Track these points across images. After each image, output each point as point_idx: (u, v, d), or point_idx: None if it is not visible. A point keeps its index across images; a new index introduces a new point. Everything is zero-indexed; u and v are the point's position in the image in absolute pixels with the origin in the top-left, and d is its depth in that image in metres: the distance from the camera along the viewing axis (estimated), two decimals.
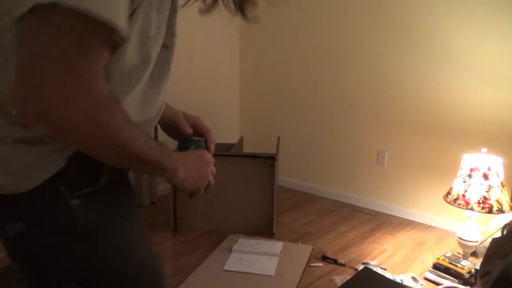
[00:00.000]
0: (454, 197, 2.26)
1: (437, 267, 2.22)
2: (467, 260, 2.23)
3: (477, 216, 2.28)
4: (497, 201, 2.15)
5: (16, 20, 0.53)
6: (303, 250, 2.50)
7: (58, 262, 0.72)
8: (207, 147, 0.91)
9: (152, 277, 0.85)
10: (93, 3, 0.53)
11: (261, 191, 2.71)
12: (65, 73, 0.53)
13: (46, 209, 0.68)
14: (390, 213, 3.16)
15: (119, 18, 0.57)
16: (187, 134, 0.93)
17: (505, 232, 1.79)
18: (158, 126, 0.96)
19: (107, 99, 0.58)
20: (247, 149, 3.81)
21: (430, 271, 2.23)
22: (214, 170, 0.86)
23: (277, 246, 2.53)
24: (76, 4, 0.52)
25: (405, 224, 2.97)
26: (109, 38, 0.58)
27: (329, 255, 2.43)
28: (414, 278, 2.20)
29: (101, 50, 0.57)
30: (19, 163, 0.66)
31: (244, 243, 2.55)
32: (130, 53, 0.66)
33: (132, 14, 0.63)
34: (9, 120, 0.64)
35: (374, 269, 2.25)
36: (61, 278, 0.74)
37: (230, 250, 2.47)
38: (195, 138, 0.92)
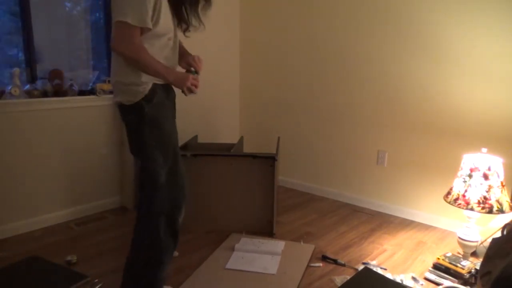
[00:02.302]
0: (454, 197, 2.26)
1: (437, 267, 2.22)
2: (467, 260, 2.23)
3: (477, 216, 2.28)
4: (497, 201, 2.15)
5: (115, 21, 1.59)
6: (305, 249, 2.50)
7: (142, 131, 1.72)
8: (196, 72, 1.84)
9: (175, 153, 1.81)
10: (135, 19, 1.57)
11: (261, 191, 2.71)
12: (125, 42, 1.60)
13: (139, 109, 1.69)
14: (390, 213, 3.16)
15: (146, 22, 1.60)
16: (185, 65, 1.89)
17: (505, 232, 1.79)
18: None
19: (136, 49, 1.60)
20: (247, 149, 3.81)
21: (430, 271, 2.23)
22: (195, 83, 1.79)
23: (279, 245, 2.53)
24: (129, 19, 1.56)
25: (405, 224, 2.98)
26: (139, 29, 1.60)
27: (329, 255, 2.43)
28: (414, 278, 2.20)
29: (136, 32, 1.59)
30: (137, 93, 1.68)
31: (246, 242, 2.55)
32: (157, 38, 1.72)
33: (153, 15, 1.62)
34: (135, 75, 1.68)
35: (374, 269, 2.25)
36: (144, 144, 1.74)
37: (232, 249, 2.48)
38: (193, 70, 1.85)
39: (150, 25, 1.60)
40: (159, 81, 1.74)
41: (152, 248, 1.76)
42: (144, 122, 1.71)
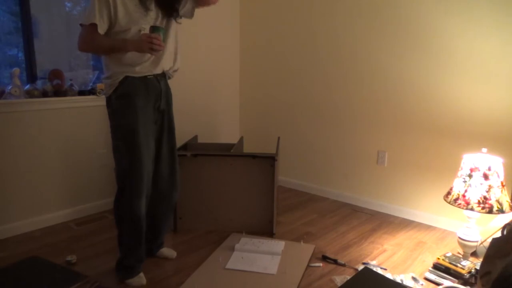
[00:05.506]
0: (454, 197, 2.26)
1: (437, 267, 2.22)
2: (467, 260, 2.23)
3: (477, 216, 2.28)
4: (497, 201, 2.15)
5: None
6: (305, 249, 2.50)
7: (110, 121, 2.02)
8: (159, 29, 1.84)
9: (137, 145, 1.96)
10: (86, 20, 1.86)
11: (261, 191, 2.71)
12: (80, 39, 1.90)
13: (110, 102, 1.98)
14: (390, 213, 3.16)
15: (95, 20, 1.83)
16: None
17: (505, 232, 1.80)
18: None
19: (86, 40, 1.88)
20: (247, 149, 3.82)
21: (430, 271, 2.23)
22: (152, 40, 1.78)
23: (279, 245, 2.53)
24: (83, 21, 1.88)
25: (405, 224, 2.97)
26: (95, 27, 1.85)
27: (329, 255, 2.43)
28: (414, 278, 2.20)
29: (93, 30, 1.84)
30: (110, 86, 1.95)
31: (246, 242, 2.55)
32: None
33: (110, 14, 1.86)
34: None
35: (374, 269, 2.25)
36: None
37: (232, 249, 2.47)
38: (158, 26, 1.86)
39: (95, 21, 1.82)
40: (134, 74, 1.92)
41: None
42: (112, 113, 1.98)
